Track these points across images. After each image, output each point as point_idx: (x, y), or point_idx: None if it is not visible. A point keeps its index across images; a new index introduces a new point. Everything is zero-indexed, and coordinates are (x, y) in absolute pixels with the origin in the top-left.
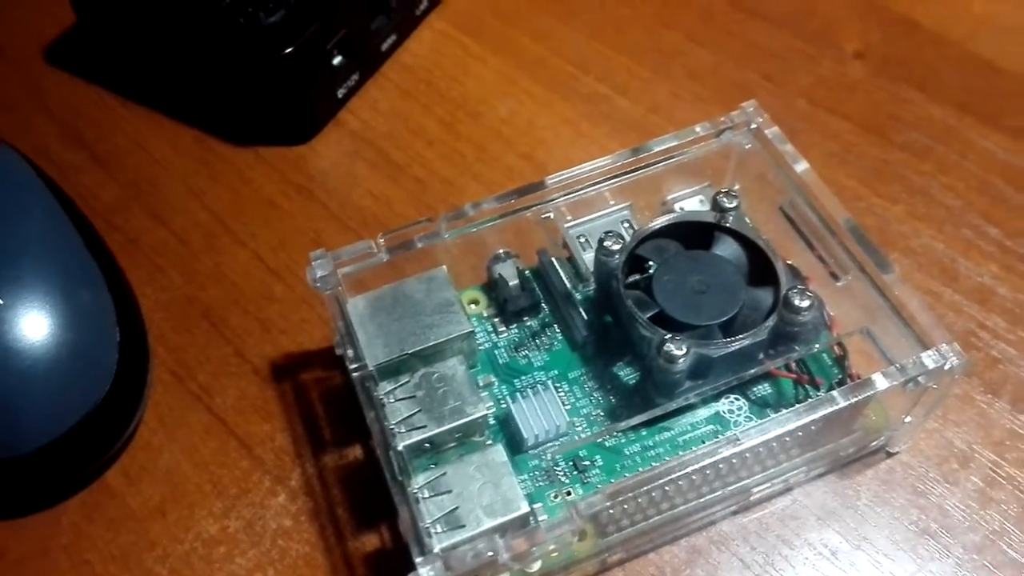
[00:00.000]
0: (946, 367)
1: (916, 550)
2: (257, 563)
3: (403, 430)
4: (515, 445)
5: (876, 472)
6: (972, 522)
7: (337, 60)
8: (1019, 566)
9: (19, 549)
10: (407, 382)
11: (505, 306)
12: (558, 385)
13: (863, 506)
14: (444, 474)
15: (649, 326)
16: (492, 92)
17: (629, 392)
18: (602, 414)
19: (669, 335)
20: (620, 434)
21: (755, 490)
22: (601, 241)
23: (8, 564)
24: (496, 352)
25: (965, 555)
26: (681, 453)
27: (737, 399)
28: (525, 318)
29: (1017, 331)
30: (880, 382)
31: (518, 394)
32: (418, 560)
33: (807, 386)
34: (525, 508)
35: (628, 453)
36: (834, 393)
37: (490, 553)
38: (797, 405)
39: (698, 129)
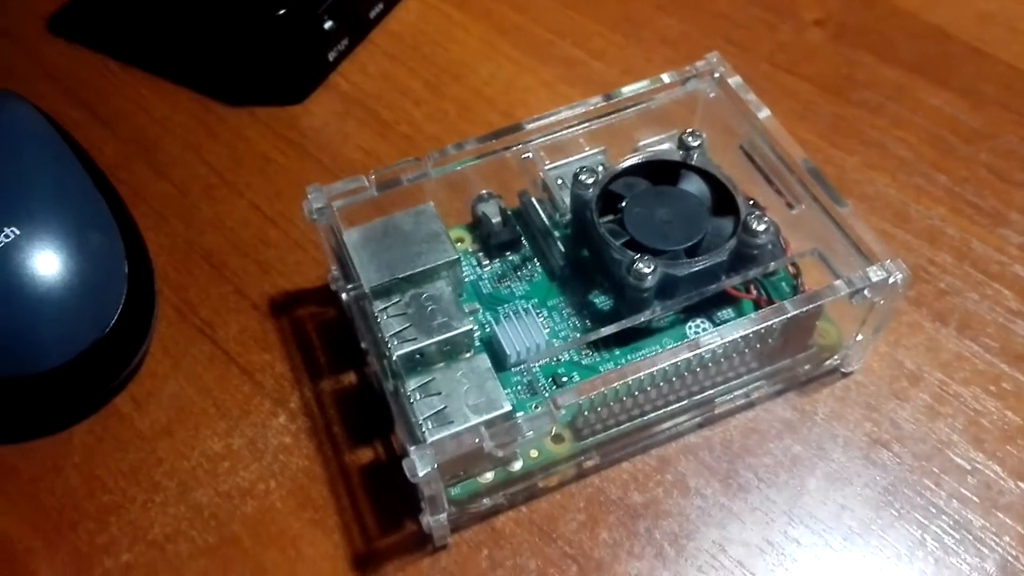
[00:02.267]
0: (890, 281)
1: (869, 457)
2: (260, 475)
3: (396, 342)
4: (499, 363)
5: (832, 390)
6: (922, 434)
7: (328, 25)
8: (963, 471)
9: (31, 468)
10: (399, 301)
11: (488, 241)
12: (538, 311)
13: (820, 420)
14: (434, 379)
15: (620, 249)
16: (474, 56)
17: (604, 316)
18: (579, 336)
19: (638, 255)
20: (595, 353)
21: (718, 402)
22: (576, 175)
23: (22, 482)
24: (480, 283)
25: (915, 462)
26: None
27: (703, 322)
28: (507, 253)
29: (963, 266)
30: (827, 292)
31: (501, 317)
32: (411, 448)
33: (765, 308)
34: (507, 407)
35: (603, 370)
36: (785, 302)
37: (476, 440)
38: (752, 314)
39: (665, 77)
